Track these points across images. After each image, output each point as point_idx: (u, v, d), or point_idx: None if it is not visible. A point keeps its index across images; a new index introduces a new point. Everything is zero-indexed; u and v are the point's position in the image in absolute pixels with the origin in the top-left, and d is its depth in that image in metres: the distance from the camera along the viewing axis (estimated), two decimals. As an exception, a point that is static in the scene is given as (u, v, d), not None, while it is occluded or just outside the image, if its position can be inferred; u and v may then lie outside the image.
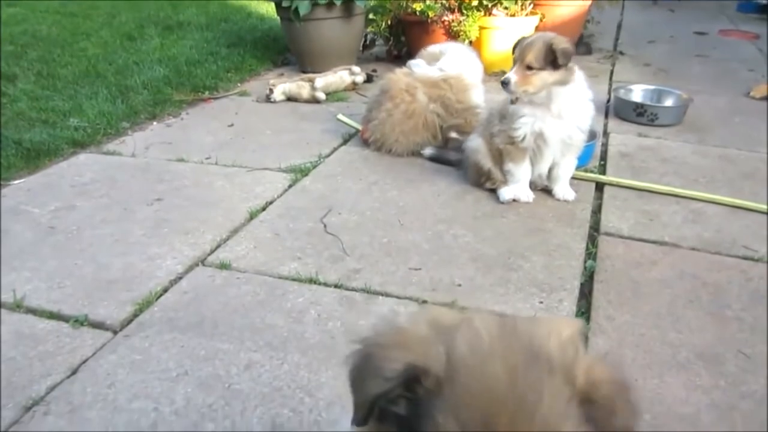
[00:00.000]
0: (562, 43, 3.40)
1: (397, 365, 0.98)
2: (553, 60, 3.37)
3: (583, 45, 7.41)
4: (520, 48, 3.48)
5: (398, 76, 4.43)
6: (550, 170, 3.74)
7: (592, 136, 4.26)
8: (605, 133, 4.80)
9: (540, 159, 3.66)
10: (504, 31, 6.28)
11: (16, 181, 3.96)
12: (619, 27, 8.64)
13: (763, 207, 3.64)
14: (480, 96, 4.41)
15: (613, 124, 5.04)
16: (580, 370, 0.99)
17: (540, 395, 0.93)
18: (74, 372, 2.35)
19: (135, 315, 2.69)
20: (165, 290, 2.86)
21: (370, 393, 1.00)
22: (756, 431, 2.14)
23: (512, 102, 3.53)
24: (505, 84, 3.44)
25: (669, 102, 5.26)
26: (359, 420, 1.03)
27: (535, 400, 0.92)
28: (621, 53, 7.39)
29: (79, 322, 2.63)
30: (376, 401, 1.00)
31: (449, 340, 1.00)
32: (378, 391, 0.99)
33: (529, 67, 3.40)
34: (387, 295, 2.79)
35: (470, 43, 6.22)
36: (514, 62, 3.49)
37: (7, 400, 2.21)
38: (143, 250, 3.17)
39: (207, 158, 4.30)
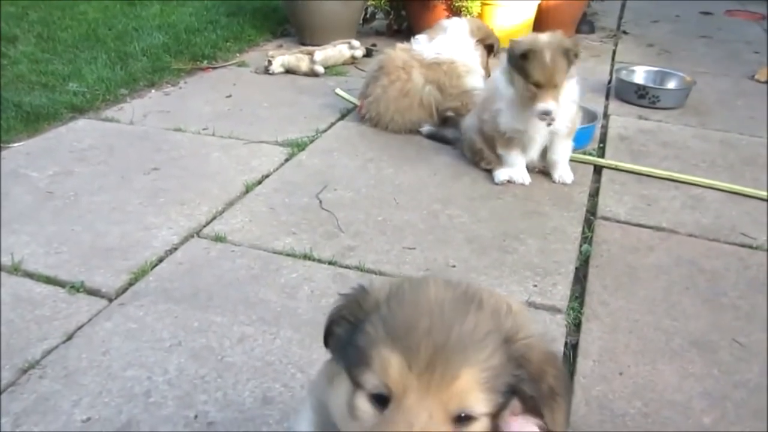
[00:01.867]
0: (573, 44, 3.44)
1: (347, 294, 1.19)
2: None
3: (586, 23, 7.38)
4: (542, 70, 3.35)
5: (396, 52, 4.44)
6: (546, 154, 3.76)
7: (592, 117, 4.30)
8: (605, 115, 4.80)
9: (528, 147, 3.68)
10: (507, 8, 6.29)
11: (15, 144, 3.98)
12: (623, 5, 8.54)
13: (764, 194, 3.64)
14: (477, 80, 4.39)
15: (614, 106, 5.04)
16: (511, 323, 1.10)
17: (462, 318, 1.05)
18: (70, 337, 2.39)
19: (130, 284, 2.72)
20: (160, 260, 2.89)
21: (329, 315, 1.20)
22: (749, 422, 2.16)
23: (549, 125, 3.51)
24: (547, 114, 3.39)
25: (671, 84, 5.23)
26: (324, 339, 1.22)
27: (455, 319, 1.04)
28: (624, 32, 7.35)
29: (76, 288, 2.66)
30: (329, 324, 1.19)
31: (398, 282, 1.16)
32: (335, 308, 1.19)
33: (556, 86, 3.39)
34: (381, 273, 2.83)
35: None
36: (540, 85, 3.37)
37: (5, 362, 2.26)
38: (140, 219, 3.20)
39: (204, 129, 4.31)
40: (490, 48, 4.52)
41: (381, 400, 1.01)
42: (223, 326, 2.47)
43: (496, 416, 1.05)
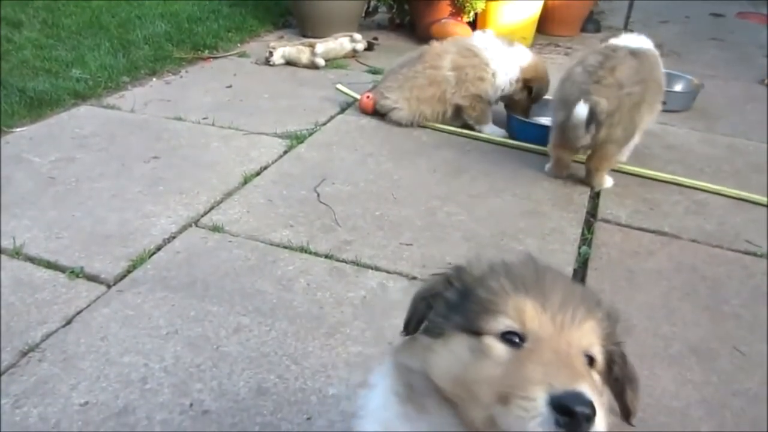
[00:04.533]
0: None
1: (447, 270, 1.27)
2: None
3: (592, 22, 7.39)
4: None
5: (439, 43, 4.51)
6: None
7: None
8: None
9: None
10: (511, 5, 6.31)
11: (18, 129, 4.01)
12: (630, 5, 8.48)
13: (769, 201, 3.59)
14: (492, 93, 4.38)
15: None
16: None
17: (575, 285, 1.20)
18: (69, 322, 2.43)
19: (129, 271, 2.76)
20: (158, 248, 2.93)
21: (424, 291, 1.27)
22: (747, 430, 2.16)
23: None
24: None
25: (678, 87, 5.19)
26: (407, 325, 1.28)
27: (572, 283, 1.20)
28: (630, 30, 7.28)
29: (75, 273, 2.70)
30: (429, 299, 1.24)
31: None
32: (429, 287, 1.26)
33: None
34: (377, 268, 2.86)
35: (475, 15, 6.26)
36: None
37: (5, 344, 2.30)
38: (139, 207, 3.24)
39: (204, 118, 4.34)
40: (530, 90, 4.43)
41: (511, 340, 1.08)
42: (219, 316, 2.50)
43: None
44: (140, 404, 2.09)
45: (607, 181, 3.73)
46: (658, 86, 3.70)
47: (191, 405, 2.09)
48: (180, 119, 4.32)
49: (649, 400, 2.24)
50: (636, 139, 3.49)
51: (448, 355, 1.12)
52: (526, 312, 1.08)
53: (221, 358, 2.29)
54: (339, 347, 2.37)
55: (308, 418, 2.07)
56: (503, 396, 0.99)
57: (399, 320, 2.42)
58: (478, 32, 4.66)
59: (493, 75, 4.35)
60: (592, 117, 3.35)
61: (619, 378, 1.21)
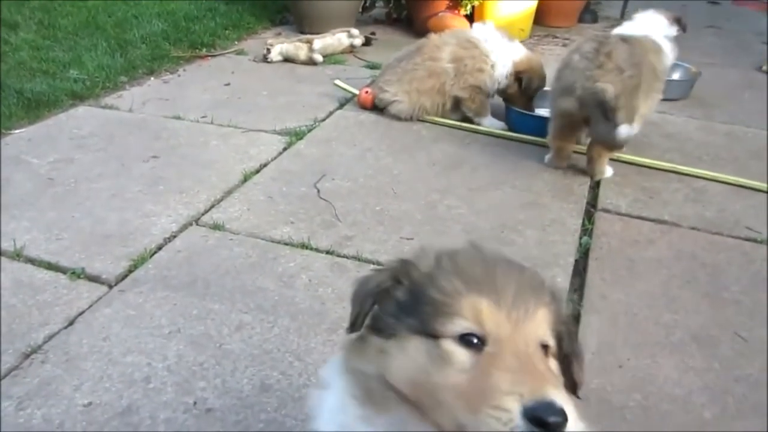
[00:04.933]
0: None
1: (390, 264, 1.25)
2: None
3: (589, 12, 7.37)
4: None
5: (437, 35, 4.52)
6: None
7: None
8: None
9: None
10: (508, -2, 6.31)
11: (17, 131, 4.01)
12: (627, -7, 8.52)
13: (769, 187, 3.59)
14: (491, 85, 4.39)
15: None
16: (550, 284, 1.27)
17: (522, 270, 1.20)
18: (71, 323, 2.43)
19: (130, 270, 2.76)
20: (159, 248, 2.92)
21: (369, 288, 1.22)
22: (749, 415, 2.15)
23: None
24: None
25: (676, 75, 5.15)
26: (353, 324, 1.23)
27: (518, 271, 1.19)
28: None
29: (76, 274, 2.70)
30: (375, 295, 1.21)
31: (442, 249, 1.25)
32: (375, 283, 1.22)
33: None
34: (378, 263, 2.83)
35: (473, 8, 6.26)
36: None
37: (7, 346, 2.29)
38: (139, 206, 3.23)
39: (203, 117, 4.33)
40: (521, 82, 4.41)
41: (470, 343, 1.08)
42: (221, 314, 2.50)
43: None
44: (144, 403, 2.08)
45: (607, 171, 3.72)
46: (653, 72, 3.68)
47: (195, 403, 2.09)
48: (179, 118, 4.31)
49: (652, 388, 2.25)
50: (636, 128, 3.48)
51: (406, 359, 1.12)
52: (482, 312, 1.08)
53: (224, 356, 2.29)
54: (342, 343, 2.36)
55: (312, 414, 2.06)
56: (472, 405, 1.01)
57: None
58: (478, 24, 4.67)
59: (492, 67, 4.35)
60: (603, 106, 3.36)
61: (567, 353, 1.23)
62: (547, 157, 3.85)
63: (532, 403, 0.96)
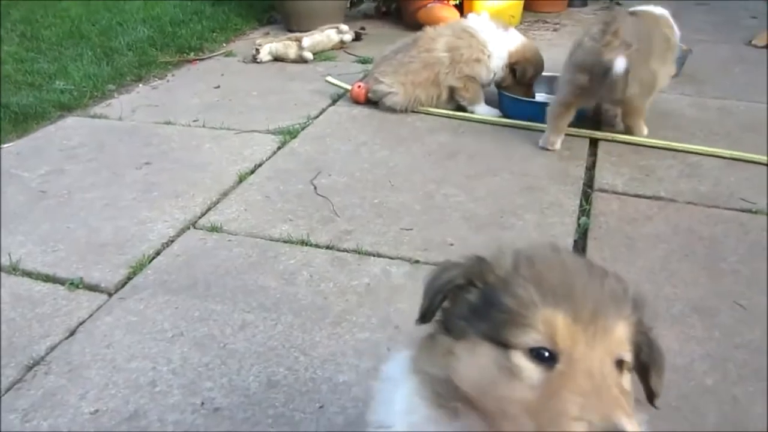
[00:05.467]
0: None
1: (465, 260, 1.21)
2: None
3: (579, -3, 7.38)
4: None
5: (433, 28, 4.52)
6: None
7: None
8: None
9: None
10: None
11: (5, 145, 3.97)
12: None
13: (763, 158, 3.62)
14: (487, 76, 4.38)
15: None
16: (633, 291, 1.19)
17: (603, 279, 1.13)
18: (72, 333, 2.40)
19: (129, 278, 2.72)
20: (157, 253, 2.89)
21: (440, 283, 1.18)
22: (750, 381, 2.17)
23: None
24: None
25: None
26: (423, 316, 1.20)
27: (600, 280, 1.12)
28: (618, 4, 7.18)
29: (75, 284, 2.67)
30: (447, 292, 1.18)
31: (522, 250, 1.22)
32: (447, 279, 1.18)
33: None
34: (379, 255, 2.83)
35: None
36: None
37: (9, 360, 2.26)
38: (134, 213, 3.20)
39: (194, 121, 4.30)
40: (515, 72, 4.42)
41: (541, 357, 1.04)
42: (223, 314, 2.47)
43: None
44: (151, 407, 2.06)
45: (644, 130, 3.91)
46: (667, 42, 3.80)
47: (202, 404, 2.06)
48: (169, 123, 4.28)
49: None
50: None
51: (474, 365, 1.09)
52: (557, 327, 1.04)
53: (229, 356, 2.26)
54: (346, 335, 2.34)
55: (320, 407, 2.04)
56: (540, 424, 0.99)
57: (404, 305, 2.47)
58: (473, 15, 4.65)
59: (489, 57, 4.33)
60: (613, 77, 3.45)
61: (645, 362, 1.19)
62: (541, 140, 3.85)
63: (601, 430, 0.94)
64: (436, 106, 4.43)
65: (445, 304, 1.19)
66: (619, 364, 1.07)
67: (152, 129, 4.20)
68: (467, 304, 1.15)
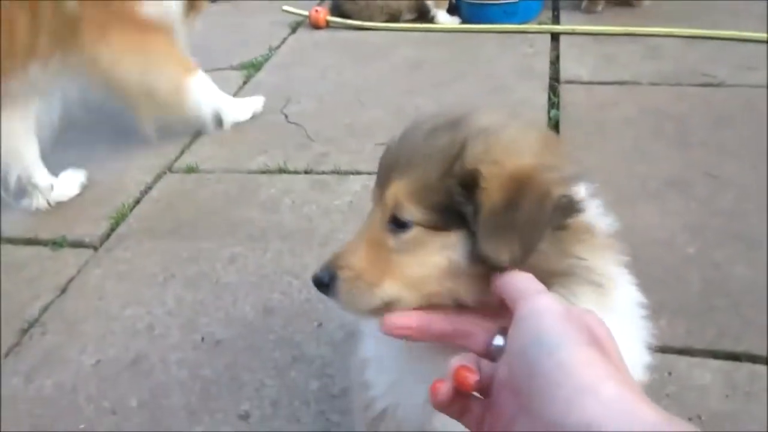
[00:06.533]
0: None
1: None
2: None
3: None
4: None
5: None
6: None
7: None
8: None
9: None
10: None
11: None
12: None
13: (720, 33, 3.67)
14: None
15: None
16: (481, 145, 0.98)
17: (419, 140, 1.04)
18: (63, 291, 2.39)
19: (112, 229, 2.70)
20: (137, 202, 2.86)
21: None
22: (728, 245, 2.24)
23: None
24: None
25: None
26: None
27: (412, 142, 1.05)
28: None
29: (58, 244, 2.64)
30: None
31: None
32: None
33: None
34: (357, 173, 2.83)
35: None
36: None
37: (3, 326, 2.24)
38: (107, 166, 3.14)
39: (155, 67, 4.20)
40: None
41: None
42: (212, 251, 2.47)
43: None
44: (151, 350, 2.07)
45: None
46: None
47: (203, 339, 2.08)
48: (130, 73, 4.18)
49: (636, 237, 2.19)
50: None
51: None
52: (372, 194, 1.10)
53: (223, 290, 2.27)
54: (336, 253, 2.34)
55: (319, 325, 2.07)
56: None
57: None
58: None
59: None
60: None
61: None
62: (584, 3, 4.19)
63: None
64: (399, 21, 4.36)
65: None
66: (398, 224, 1.00)
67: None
68: None
